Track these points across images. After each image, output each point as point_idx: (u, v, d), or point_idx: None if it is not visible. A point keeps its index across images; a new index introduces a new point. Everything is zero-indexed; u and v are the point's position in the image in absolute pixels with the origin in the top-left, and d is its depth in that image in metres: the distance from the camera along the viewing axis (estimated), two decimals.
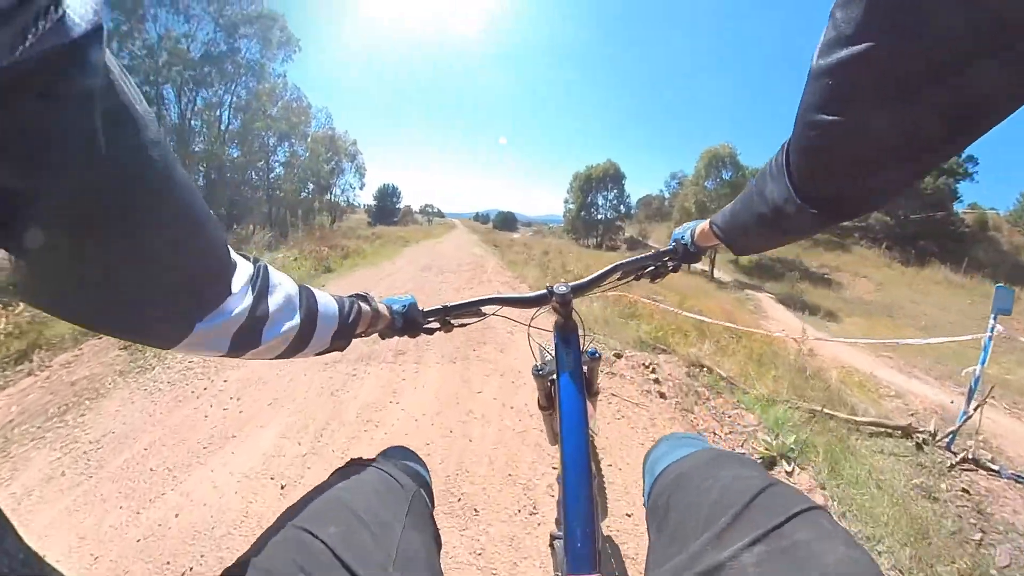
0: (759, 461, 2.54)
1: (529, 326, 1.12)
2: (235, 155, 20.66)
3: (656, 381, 3.65)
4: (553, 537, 0.83)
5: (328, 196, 32.78)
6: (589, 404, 1.05)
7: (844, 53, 0.35)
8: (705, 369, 4.29)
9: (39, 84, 0.23)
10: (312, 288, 0.64)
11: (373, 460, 0.75)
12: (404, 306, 0.88)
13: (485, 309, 0.96)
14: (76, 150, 0.27)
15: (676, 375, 3.95)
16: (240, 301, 0.48)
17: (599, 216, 49.64)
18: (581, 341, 0.93)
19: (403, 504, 0.65)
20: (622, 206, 49.64)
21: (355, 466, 0.73)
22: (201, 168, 19.44)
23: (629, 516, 2.15)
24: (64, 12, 0.23)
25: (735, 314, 14.29)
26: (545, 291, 0.89)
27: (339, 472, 0.71)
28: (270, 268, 0.55)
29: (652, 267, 0.99)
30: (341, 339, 0.68)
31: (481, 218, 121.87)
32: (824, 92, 0.39)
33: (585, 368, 1.01)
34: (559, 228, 60.13)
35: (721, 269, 32.09)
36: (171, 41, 17.07)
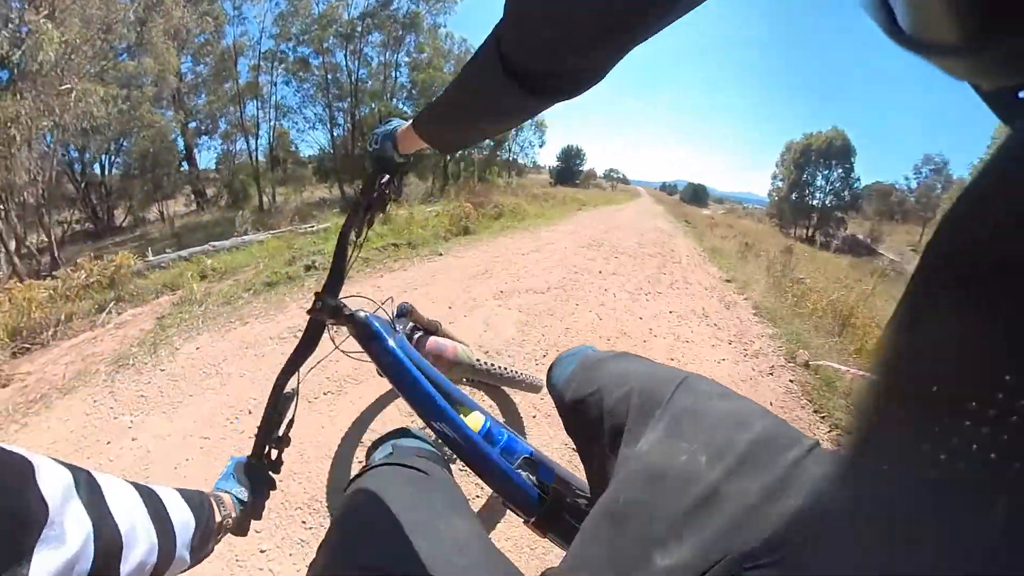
0: None
1: (342, 350, 0.99)
2: (406, 110, 20.30)
3: None
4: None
5: (508, 153, 31.67)
6: (444, 341, 1.15)
7: None
8: None
9: None
10: (147, 484, 0.49)
11: (387, 459, 0.70)
12: (231, 475, 0.73)
13: (291, 381, 0.83)
14: None
15: None
16: (69, 520, 0.34)
17: (814, 201, 39.83)
18: (380, 312, 0.93)
19: (436, 494, 0.63)
20: (846, 192, 39.14)
21: (373, 471, 0.68)
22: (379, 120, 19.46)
23: None
24: None
25: None
26: (313, 320, 0.84)
27: (360, 485, 0.64)
28: (95, 472, 0.42)
29: (372, 204, 0.84)
30: (205, 541, 0.55)
31: (668, 188, 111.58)
32: None
33: (408, 327, 1.06)
34: (757, 209, 51.23)
35: None
36: (331, 8, 17.45)
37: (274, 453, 0.81)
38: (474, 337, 3.20)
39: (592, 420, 0.64)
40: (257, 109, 17.31)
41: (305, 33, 16.90)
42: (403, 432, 0.82)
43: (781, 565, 0.37)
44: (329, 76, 17.93)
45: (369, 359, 1.01)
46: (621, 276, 5.27)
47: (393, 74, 19.77)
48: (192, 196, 18.15)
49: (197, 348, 3.11)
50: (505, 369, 1.32)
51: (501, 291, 4.16)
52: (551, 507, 0.71)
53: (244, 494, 0.70)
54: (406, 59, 19.64)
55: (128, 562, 0.39)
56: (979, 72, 0.24)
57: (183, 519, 0.50)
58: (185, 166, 17.08)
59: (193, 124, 16.46)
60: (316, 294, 0.82)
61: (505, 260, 5.55)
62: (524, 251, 6.28)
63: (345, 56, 18.23)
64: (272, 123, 17.97)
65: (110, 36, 10.26)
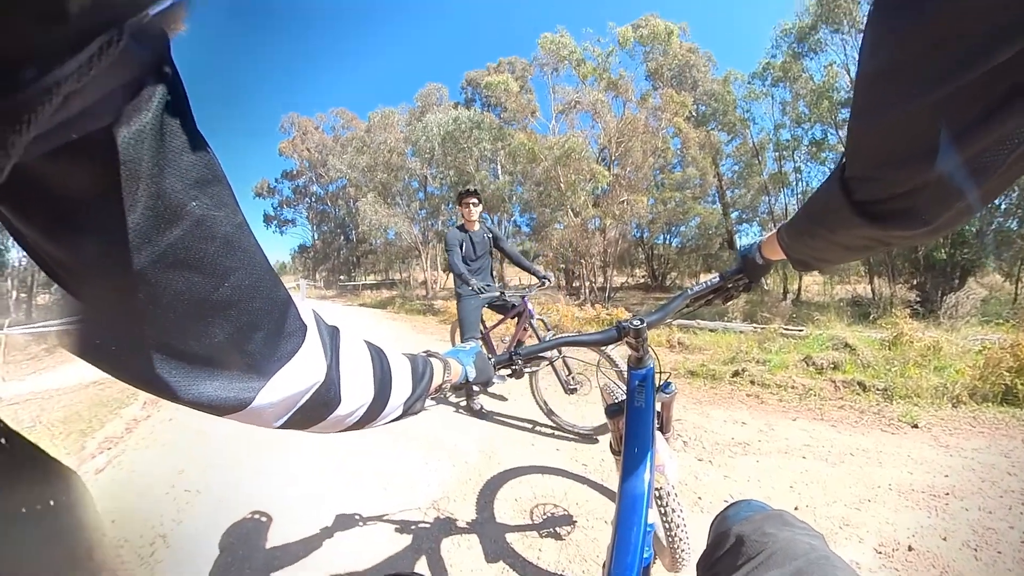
0: None
1: (598, 366, 1.13)
2: None
3: None
4: None
5: None
6: (663, 443, 1.02)
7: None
8: None
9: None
10: (381, 348, 0.56)
11: None
12: (472, 356, 0.81)
13: (555, 350, 0.91)
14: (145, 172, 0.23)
15: None
16: (317, 352, 0.40)
17: None
18: (656, 377, 0.92)
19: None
20: None
21: None
22: None
23: None
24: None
25: None
26: (616, 327, 0.87)
27: None
28: (339, 328, 0.48)
29: (720, 290, 0.93)
30: (416, 402, 0.61)
31: None
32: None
33: (659, 405, 0.99)
34: None
35: None
36: (829, 77, 14.81)
37: (506, 372, 0.92)
38: None
39: (732, 561, 0.62)
40: (786, 197, 18.28)
41: (813, 112, 15.47)
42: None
43: None
44: None
45: (603, 390, 1.20)
46: None
47: None
48: None
49: None
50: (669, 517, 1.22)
51: None
52: None
53: (472, 374, 0.78)
54: None
55: (335, 415, 0.43)
56: None
57: (402, 376, 0.55)
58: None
59: (735, 213, 19.68)
60: (636, 315, 0.89)
61: None
62: None
63: None
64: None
65: (659, 160, 15.29)
